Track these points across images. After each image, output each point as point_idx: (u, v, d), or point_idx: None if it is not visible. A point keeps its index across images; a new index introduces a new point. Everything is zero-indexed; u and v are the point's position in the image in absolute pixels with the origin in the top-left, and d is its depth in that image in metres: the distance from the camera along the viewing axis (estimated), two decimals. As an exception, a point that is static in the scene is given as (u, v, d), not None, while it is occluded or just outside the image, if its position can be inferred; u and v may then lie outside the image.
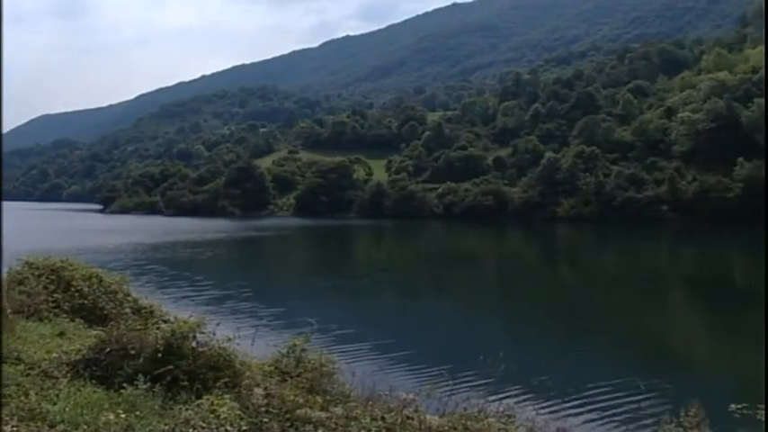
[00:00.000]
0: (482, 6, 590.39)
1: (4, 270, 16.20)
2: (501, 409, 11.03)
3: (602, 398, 23.02)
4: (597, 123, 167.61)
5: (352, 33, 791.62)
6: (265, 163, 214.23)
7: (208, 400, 9.42)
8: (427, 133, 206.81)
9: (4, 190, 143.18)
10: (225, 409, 9.12)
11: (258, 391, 10.41)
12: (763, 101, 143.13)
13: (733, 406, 9.59)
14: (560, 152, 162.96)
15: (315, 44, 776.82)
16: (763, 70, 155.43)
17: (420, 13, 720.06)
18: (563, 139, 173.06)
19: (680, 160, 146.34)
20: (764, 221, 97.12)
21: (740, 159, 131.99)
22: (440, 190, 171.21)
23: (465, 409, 10.92)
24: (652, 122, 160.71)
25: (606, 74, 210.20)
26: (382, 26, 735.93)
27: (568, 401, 22.50)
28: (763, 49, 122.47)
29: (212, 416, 8.97)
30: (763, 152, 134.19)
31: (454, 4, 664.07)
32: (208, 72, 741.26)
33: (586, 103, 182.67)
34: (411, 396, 10.71)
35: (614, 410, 21.30)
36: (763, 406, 9.11)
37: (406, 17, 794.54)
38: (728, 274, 70.97)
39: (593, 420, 20.67)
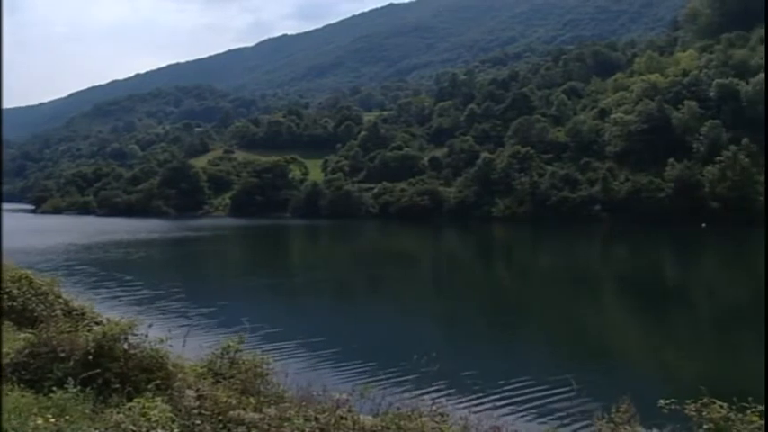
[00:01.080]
0: (419, 7, 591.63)
1: None
2: (434, 407, 10.98)
3: (536, 395, 23.32)
4: (532, 124, 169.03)
5: (288, 33, 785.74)
6: (200, 163, 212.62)
7: (139, 402, 9.26)
8: (363, 133, 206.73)
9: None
10: (156, 411, 8.97)
11: (190, 392, 10.25)
12: (693, 103, 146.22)
13: (662, 401, 9.66)
14: (495, 152, 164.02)
15: (251, 43, 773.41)
16: (693, 73, 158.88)
17: (357, 13, 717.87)
18: (498, 140, 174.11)
19: (613, 161, 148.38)
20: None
21: (671, 160, 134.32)
22: (375, 190, 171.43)
23: (398, 408, 10.93)
24: (586, 123, 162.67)
25: (541, 75, 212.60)
26: (319, 26, 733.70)
27: (502, 399, 22.67)
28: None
29: (143, 419, 8.82)
30: (692, 153, 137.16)
31: (391, 5, 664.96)
32: (142, 70, 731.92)
33: (521, 104, 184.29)
34: (344, 396, 10.67)
35: (547, 407, 21.55)
36: (690, 401, 9.30)
37: (342, 17, 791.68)
38: (659, 272, 72.09)
39: (526, 417, 20.88)
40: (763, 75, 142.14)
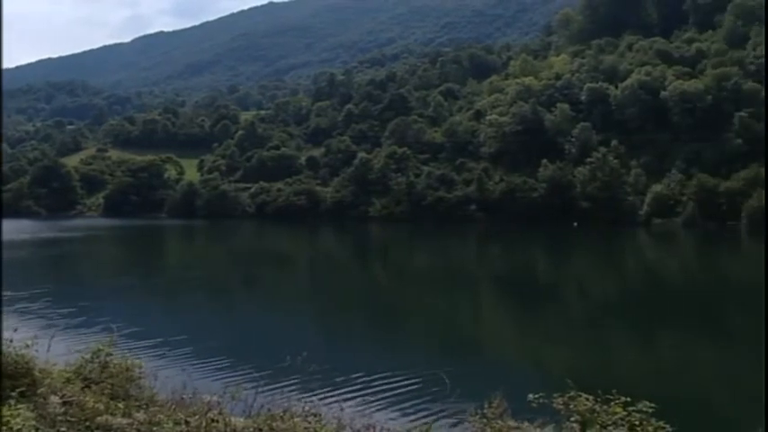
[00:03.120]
0: (297, 7, 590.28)
1: None
2: (307, 408, 10.82)
3: (410, 392, 23.28)
4: (409, 125, 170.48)
5: (165, 29, 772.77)
6: (72, 161, 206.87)
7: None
8: (240, 132, 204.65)
9: None
10: (19, 419, 8.55)
11: (55, 399, 9.81)
12: (565, 106, 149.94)
13: (531, 396, 9.84)
14: (373, 152, 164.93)
15: (127, 39, 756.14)
16: (565, 77, 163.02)
17: (235, 11, 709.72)
18: (375, 140, 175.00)
19: (488, 161, 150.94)
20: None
21: (544, 161, 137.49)
22: (252, 190, 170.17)
23: (269, 409, 10.76)
24: (461, 124, 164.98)
25: (418, 76, 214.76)
26: (197, 23, 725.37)
27: (376, 397, 22.63)
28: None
29: (5, 428, 8.36)
30: (564, 154, 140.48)
31: (270, 3, 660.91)
32: (11, 65, 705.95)
33: (399, 105, 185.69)
34: (216, 398, 10.46)
35: (421, 404, 21.53)
36: (557, 394, 9.50)
37: (221, 15, 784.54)
38: (532, 270, 73.37)
39: (400, 415, 20.74)
40: (630, 80, 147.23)
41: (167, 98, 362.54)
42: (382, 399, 22.70)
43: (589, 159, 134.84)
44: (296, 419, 10.21)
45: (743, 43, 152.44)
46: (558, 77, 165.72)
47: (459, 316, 44.77)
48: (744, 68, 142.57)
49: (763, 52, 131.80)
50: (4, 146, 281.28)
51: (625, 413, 9.17)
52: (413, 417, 20.19)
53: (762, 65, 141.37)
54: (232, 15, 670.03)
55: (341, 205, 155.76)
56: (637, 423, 9.06)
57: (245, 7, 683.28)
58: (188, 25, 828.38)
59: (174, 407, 10.52)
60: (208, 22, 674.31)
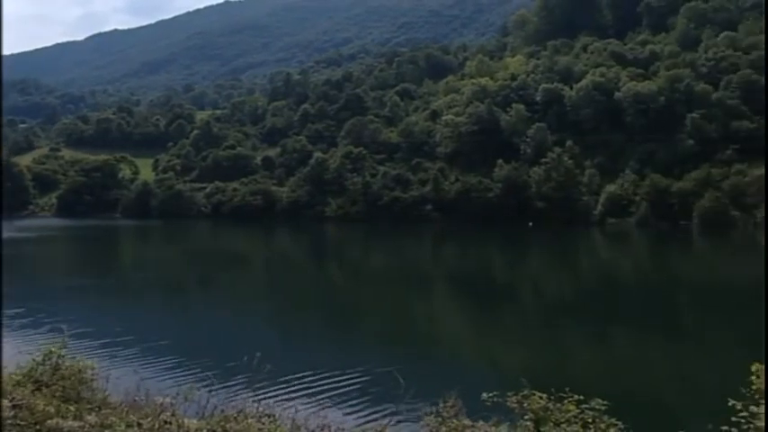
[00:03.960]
0: (254, 5, 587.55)
1: None
2: (261, 409, 10.92)
3: (366, 392, 23.34)
4: (365, 124, 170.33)
5: (120, 27, 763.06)
6: (25, 161, 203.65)
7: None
8: (196, 132, 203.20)
9: None
10: None
11: (5, 402, 9.72)
12: (520, 106, 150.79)
13: (485, 394, 9.94)
14: (328, 152, 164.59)
15: (81, 37, 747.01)
16: (521, 77, 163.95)
17: (191, 9, 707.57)
18: (331, 140, 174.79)
19: (443, 161, 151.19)
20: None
21: (499, 161, 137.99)
22: (208, 189, 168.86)
23: (223, 411, 10.82)
24: (417, 124, 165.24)
25: (375, 76, 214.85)
26: (152, 21, 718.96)
27: (331, 398, 22.68)
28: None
29: None
30: (519, 154, 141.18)
31: (226, 2, 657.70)
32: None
33: (355, 105, 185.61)
34: (168, 400, 10.49)
35: (377, 404, 21.51)
36: (511, 393, 9.70)
37: (176, 13, 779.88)
38: (488, 270, 73.62)
39: (355, 415, 20.77)
40: (585, 81, 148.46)
41: (122, 97, 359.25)
42: (337, 399, 22.72)
43: (544, 160, 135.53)
44: (250, 420, 10.23)
45: (695, 45, 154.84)
46: (513, 78, 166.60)
47: (415, 315, 44.86)
48: (696, 70, 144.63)
49: (763, 53, 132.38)
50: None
51: (578, 411, 9.33)
52: (368, 417, 20.17)
53: (713, 67, 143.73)
54: (188, 14, 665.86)
55: (297, 205, 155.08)
56: (590, 420, 9.24)
57: (202, 6, 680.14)
58: (143, 23, 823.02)
59: (126, 409, 10.48)
60: (163, 21, 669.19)
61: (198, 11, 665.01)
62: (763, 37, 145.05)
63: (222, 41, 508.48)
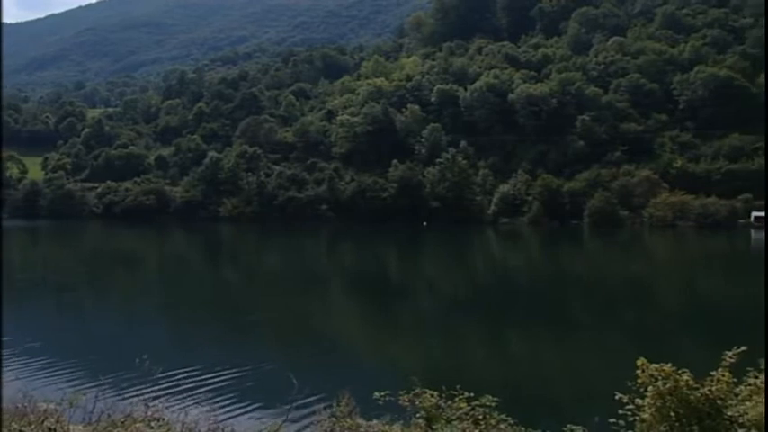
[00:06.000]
0: (148, 1, 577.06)
1: None
2: (150, 412, 10.67)
3: (259, 394, 23.42)
4: (260, 124, 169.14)
5: (8, 21, 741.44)
6: None
7: None
8: (87, 130, 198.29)
9: None
10: None
11: None
12: (416, 107, 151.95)
13: (376, 393, 10.23)
14: (223, 152, 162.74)
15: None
16: (416, 78, 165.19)
17: (83, 3, 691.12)
18: (226, 139, 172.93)
19: (339, 161, 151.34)
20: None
21: (394, 161, 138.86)
22: (99, 189, 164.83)
23: (110, 415, 10.59)
24: (313, 124, 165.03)
25: (271, 76, 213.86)
26: (41, 15, 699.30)
27: (223, 399, 22.53)
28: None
29: None
30: (414, 155, 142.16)
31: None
32: None
33: (250, 104, 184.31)
34: (53, 406, 10.19)
35: (270, 405, 21.46)
36: (403, 392, 10.03)
37: (68, 7, 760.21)
38: (384, 270, 73.88)
39: (248, 417, 20.79)
40: (479, 83, 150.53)
41: (9, 93, 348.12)
42: (230, 400, 22.60)
43: (438, 160, 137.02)
44: (138, 425, 10.08)
45: (586, 50, 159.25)
46: (408, 79, 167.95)
47: (310, 316, 44.72)
48: (587, 74, 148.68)
49: (650, 57, 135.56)
50: None
51: (469, 408, 9.74)
52: (261, 418, 19.99)
53: (603, 70, 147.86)
54: (80, 8, 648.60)
55: (191, 205, 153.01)
56: (480, 417, 9.64)
57: (94, 0, 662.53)
58: (32, 17, 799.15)
59: (8, 417, 10.08)
60: (53, 15, 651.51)
61: (90, 5, 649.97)
62: (649, 42, 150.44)
63: (115, 38, 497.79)
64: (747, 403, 8.80)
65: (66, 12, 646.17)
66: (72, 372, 25.81)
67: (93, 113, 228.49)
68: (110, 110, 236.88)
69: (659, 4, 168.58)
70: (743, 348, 9.22)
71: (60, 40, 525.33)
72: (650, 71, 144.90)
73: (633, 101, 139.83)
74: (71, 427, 9.88)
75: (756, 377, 9.04)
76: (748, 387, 9.02)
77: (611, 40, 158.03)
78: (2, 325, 30.04)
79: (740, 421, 8.61)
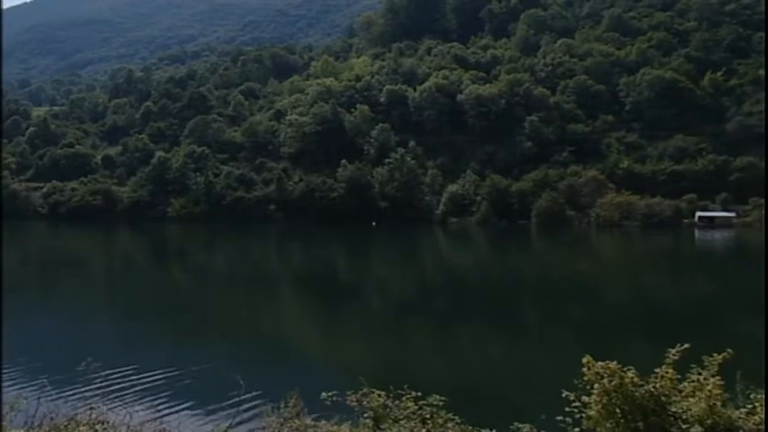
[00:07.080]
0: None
1: None
2: (95, 416, 10.45)
3: (205, 396, 23.25)
4: (208, 123, 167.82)
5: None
6: None
7: None
8: (32, 129, 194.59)
9: None
10: None
11: None
12: (365, 107, 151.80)
13: (324, 394, 10.23)
14: (171, 151, 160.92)
15: None
16: (365, 78, 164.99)
17: (28, 0, 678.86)
18: (174, 139, 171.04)
19: (288, 161, 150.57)
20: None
21: (343, 161, 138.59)
22: (45, 189, 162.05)
23: (53, 419, 10.37)
24: (262, 124, 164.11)
25: (219, 75, 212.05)
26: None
27: (169, 402, 22.43)
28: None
29: None
30: (363, 155, 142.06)
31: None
32: None
33: (198, 103, 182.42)
34: None
35: (217, 407, 21.11)
36: (351, 392, 9.97)
37: (12, 3, 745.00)
38: (333, 270, 73.78)
39: (195, 419, 20.64)
40: (428, 83, 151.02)
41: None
42: (176, 402, 22.42)
43: (387, 160, 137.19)
44: (82, 428, 9.90)
45: (534, 51, 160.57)
46: (358, 79, 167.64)
47: (257, 316, 44.57)
48: (535, 75, 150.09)
49: (598, 59, 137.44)
50: None
51: (416, 407, 9.69)
52: (208, 420, 19.92)
53: (551, 72, 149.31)
54: (24, 5, 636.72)
55: (138, 205, 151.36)
56: (428, 416, 9.58)
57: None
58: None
59: None
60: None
61: (36, 2, 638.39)
62: (596, 44, 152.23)
63: (61, 35, 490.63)
64: (691, 399, 8.91)
65: (11, 8, 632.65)
66: (13, 374, 25.11)
67: (38, 112, 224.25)
68: (55, 108, 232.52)
69: (606, 7, 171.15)
70: (686, 346, 9.30)
71: (5, 37, 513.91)
72: (597, 73, 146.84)
73: (580, 102, 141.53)
74: (12, 431, 9.77)
75: (699, 374, 9.08)
76: (691, 383, 9.10)
77: (559, 41, 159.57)
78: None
79: (684, 417, 8.73)
